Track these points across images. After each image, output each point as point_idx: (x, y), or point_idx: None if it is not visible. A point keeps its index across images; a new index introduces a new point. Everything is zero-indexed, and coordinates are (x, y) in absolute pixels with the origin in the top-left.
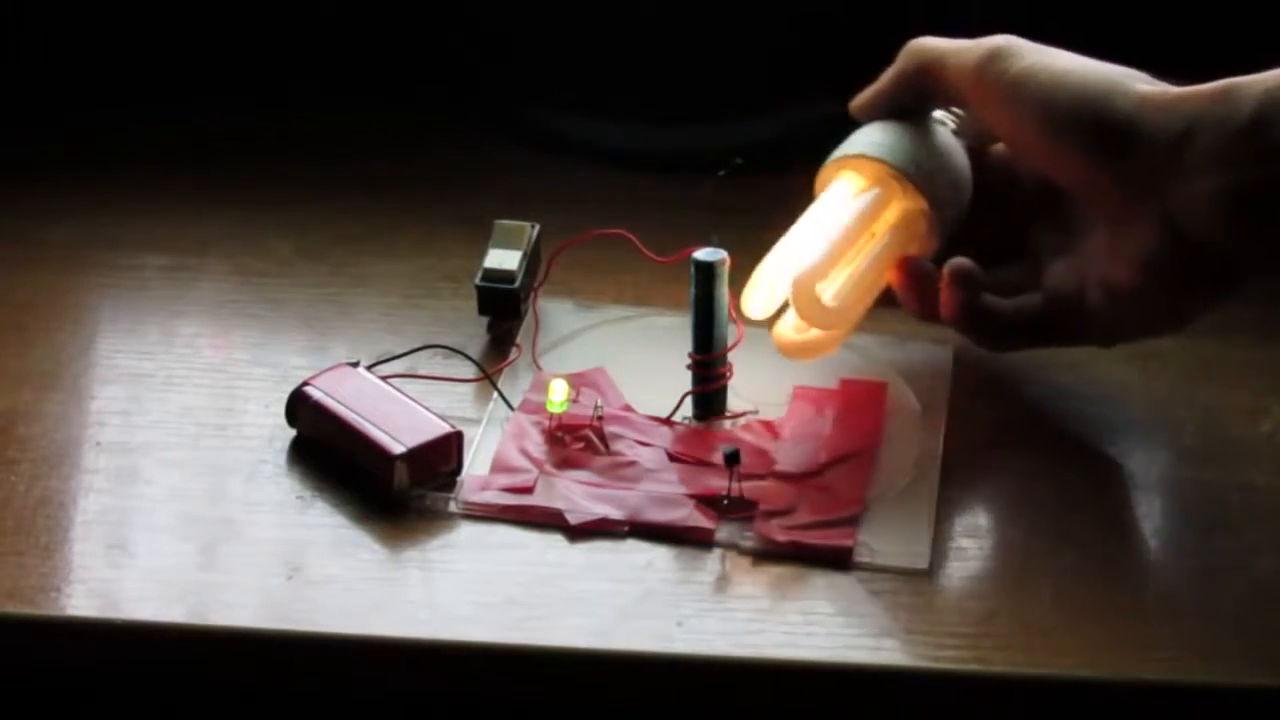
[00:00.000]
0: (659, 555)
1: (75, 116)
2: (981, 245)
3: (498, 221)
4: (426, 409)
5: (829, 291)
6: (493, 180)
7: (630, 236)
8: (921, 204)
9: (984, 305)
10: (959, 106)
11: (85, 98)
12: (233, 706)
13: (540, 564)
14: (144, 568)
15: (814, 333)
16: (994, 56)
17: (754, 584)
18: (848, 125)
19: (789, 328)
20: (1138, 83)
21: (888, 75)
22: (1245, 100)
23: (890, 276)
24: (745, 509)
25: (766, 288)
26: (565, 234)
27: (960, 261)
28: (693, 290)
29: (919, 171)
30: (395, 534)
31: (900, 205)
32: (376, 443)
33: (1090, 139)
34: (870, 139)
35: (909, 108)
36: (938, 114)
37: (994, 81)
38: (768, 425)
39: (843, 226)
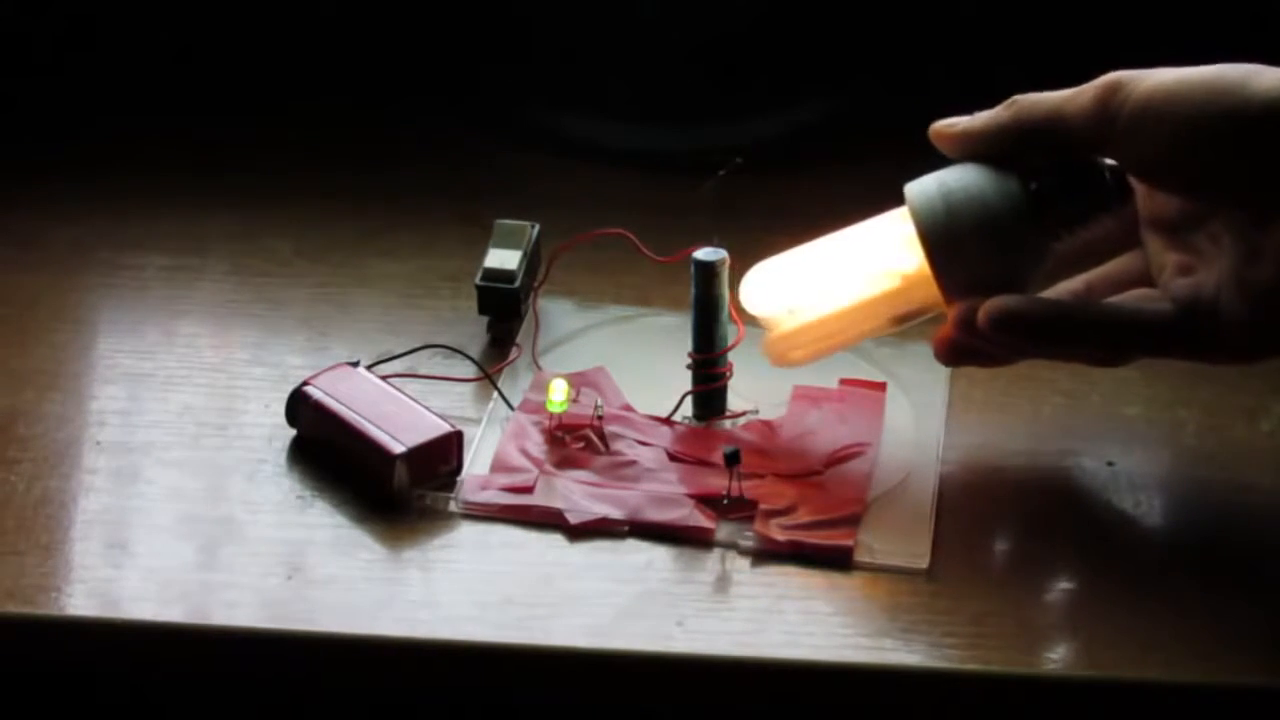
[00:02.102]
0: (659, 555)
1: (76, 118)
2: (1102, 274)
3: (498, 221)
4: (426, 409)
5: (785, 288)
6: (493, 180)
7: (630, 236)
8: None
9: (1086, 315)
10: (1082, 152)
11: (86, 100)
12: (233, 706)
13: (540, 564)
14: (144, 567)
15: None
16: (1113, 89)
17: (754, 584)
18: (847, 125)
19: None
20: (1265, 70)
21: (986, 123)
22: None
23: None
24: (745, 509)
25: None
26: (565, 234)
27: (990, 308)
28: (693, 290)
29: (928, 223)
30: (395, 534)
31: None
32: (376, 442)
33: (1234, 132)
34: (924, 178)
35: (1003, 156)
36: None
37: (1119, 110)
38: (768, 425)
39: (835, 237)
